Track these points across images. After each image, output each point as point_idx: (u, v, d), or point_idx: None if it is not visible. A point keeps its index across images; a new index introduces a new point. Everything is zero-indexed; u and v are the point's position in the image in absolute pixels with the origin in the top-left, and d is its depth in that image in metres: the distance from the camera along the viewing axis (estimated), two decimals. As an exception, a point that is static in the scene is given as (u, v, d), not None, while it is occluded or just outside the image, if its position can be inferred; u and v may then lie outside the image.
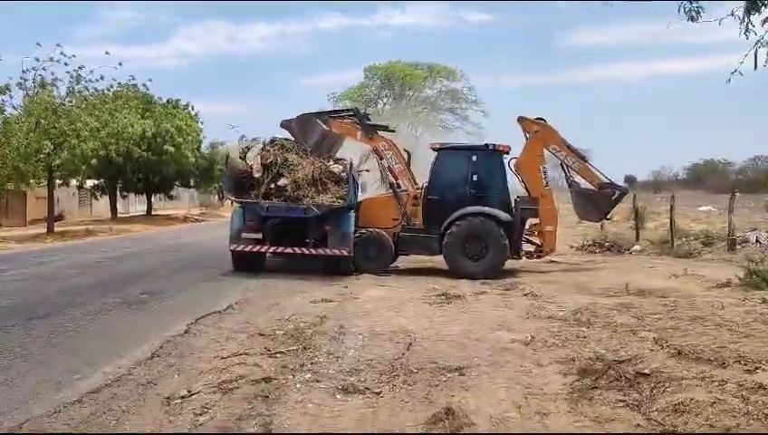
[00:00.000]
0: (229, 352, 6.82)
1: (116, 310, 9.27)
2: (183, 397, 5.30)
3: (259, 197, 13.32)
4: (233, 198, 13.70)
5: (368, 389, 5.35)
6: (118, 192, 39.08)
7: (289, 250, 13.51)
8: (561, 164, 14.34)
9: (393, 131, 15.72)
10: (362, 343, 7.04)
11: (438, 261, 14.89)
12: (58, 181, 29.32)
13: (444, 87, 50.64)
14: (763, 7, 5.97)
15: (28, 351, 6.84)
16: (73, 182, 34.12)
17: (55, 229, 26.86)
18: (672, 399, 4.69)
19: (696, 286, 11.01)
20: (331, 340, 7.22)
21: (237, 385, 5.50)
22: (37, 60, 24.92)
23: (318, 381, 5.57)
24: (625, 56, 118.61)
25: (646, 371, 5.33)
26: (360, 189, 14.48)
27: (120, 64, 27.53)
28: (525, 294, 10.35)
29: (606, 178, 14.54)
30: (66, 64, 25.43)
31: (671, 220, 19.17)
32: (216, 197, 50.52)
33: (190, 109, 38.94)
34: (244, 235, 13.49)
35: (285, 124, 14.71)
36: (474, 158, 13.92)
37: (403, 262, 15.11)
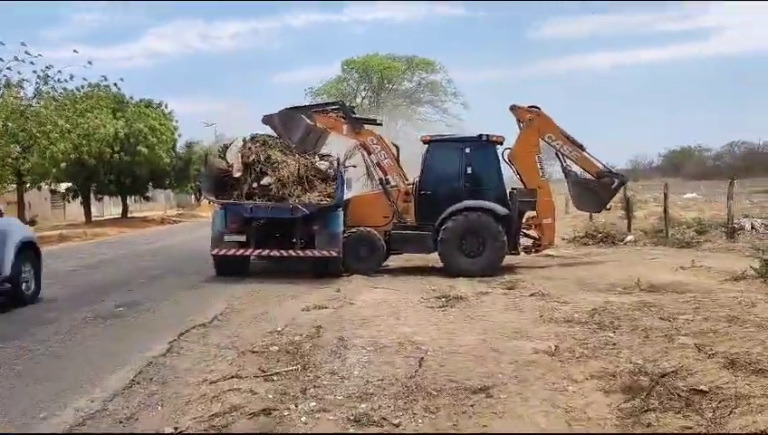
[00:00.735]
0: (219, 374, 6.04)
1: (90, 327, 8.40)
2: (169, 436, 4.53)
3: (242, 197, 12.52)
4: (213, 199, 12.88)
5: (384, 419, 4.62)
6: (92, 195, 37.77)
7: (275, 252, 12.75)
8: (556, 153, 13.69)
9: (380, 124, 15.01)
10: (367, 358, 6.31)
11: (430, 259, 14.22)
12: (28, 185, 28.11)
13: (423, 79, 49.98)
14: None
15: (-12, 381, 6.00)
16: (44, 186, 32.87)
17: (26, 236, 25.63)
18: (743, 422, 4.04)
19: (709, 279, 10.45)
20: (331, 355, 6.47)
21: (232, 419, 4.74)
22: (1, 60, 23.71)
23: (325, 411, 4.82)
24: (597, 47, 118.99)
25: (702, 387, 4.67)
26: (345, 186, 13.70)
27: (90, 63, 26.27)
28: (532, 295, 9.68)
29: (604, 166, 13.95)
30: (33, 63, 24.21)
31: (665, 209, 18.70)
32: (193, 197, 49.41)
33: (164, 108, 37.78)
34: (226, 238, 12.68)
35: (267, 120, 13.92)
36: (467, 150, 13.21)
37: (392, 261, 14.39)
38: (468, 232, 12.73)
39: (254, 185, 12.63)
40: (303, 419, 4.69)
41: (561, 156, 13.65)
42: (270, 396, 5.22)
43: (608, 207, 14.50)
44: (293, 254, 12.66)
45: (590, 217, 22.65)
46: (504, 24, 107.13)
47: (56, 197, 39.68)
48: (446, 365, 5.88)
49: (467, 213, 12.71)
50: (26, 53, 23.72)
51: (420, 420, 4.58)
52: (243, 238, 12.66)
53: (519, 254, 13.67)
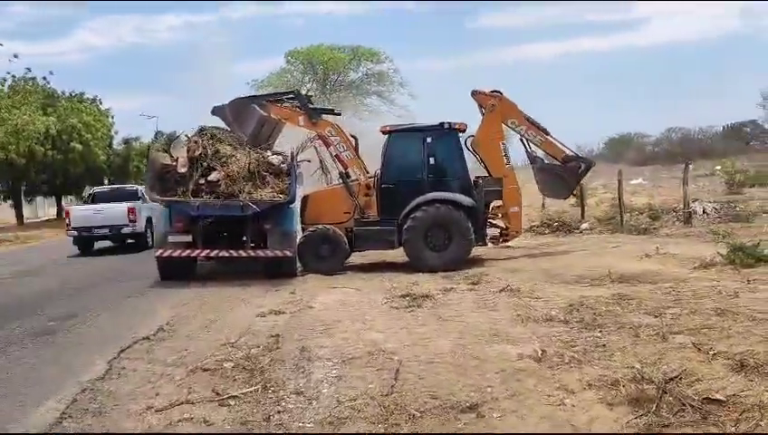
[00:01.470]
0: (166, 398, 5.29)
1: (16, 347, 7.44)
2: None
3: (187, 194, 11.61)
4: (156, 197, 11.94)
5: (364, 451, 3.98)
6: (23, 196, 35.73)
7: (224, 253, 11.93)
8: (520, 139, 13.23)
9: (339, 114, 14.24)
10: (336, 372, 5.65)
11: (390, 255, 13.61)
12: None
13: (369, 70, 49.19)
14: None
15: None
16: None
17: (-49, 241, 23.96)
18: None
19: (678, 267, 10.15)
20: (294, 371, 5.79)
21: (184, 460, 4.02)
22: None
23: (295, 443, 4.15)
24: (540, 37, 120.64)
25: (716, 395, 4.19)
26: (298, 182, 12.91)
27: (16, 57, 24.76)
28: (501, 290, 9.16)
29: (570, 150, 13.58)
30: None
31: (619, 196, 18.58)
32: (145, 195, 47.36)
33: (98, 103, 36.05)
34: (171, 238, 11.79)
35: (217, 110, 13.00)
36: (428, 139, 12.60)
37: (353, 258, 13.72)
38: (433, 225, 12.16)
39: (201, 181, 11.72)
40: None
41: (525, 141, 13.19)
42: (228, 427, 4.52)
43: (574, 192, 14.13)
44: (244, 254, 11.85)
45: (543, 205, 22.52)
46: (446, 14, 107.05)
47: (-16, 200, 37.47)
48: (425, 378, 5.27)
49: (432, 205, 12.14)
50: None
51: (407, 451, 3.96)
52: (189, 238, 11.79)
53: (486, 245, 13.18)
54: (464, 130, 12.76)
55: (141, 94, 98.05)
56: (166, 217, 11.97)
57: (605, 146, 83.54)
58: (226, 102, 13.05)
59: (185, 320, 8.62)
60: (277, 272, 11.90)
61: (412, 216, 12.12)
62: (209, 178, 11.57)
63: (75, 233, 18.34)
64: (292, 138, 14.14)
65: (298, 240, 12.25)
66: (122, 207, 18.25)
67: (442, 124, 12.58)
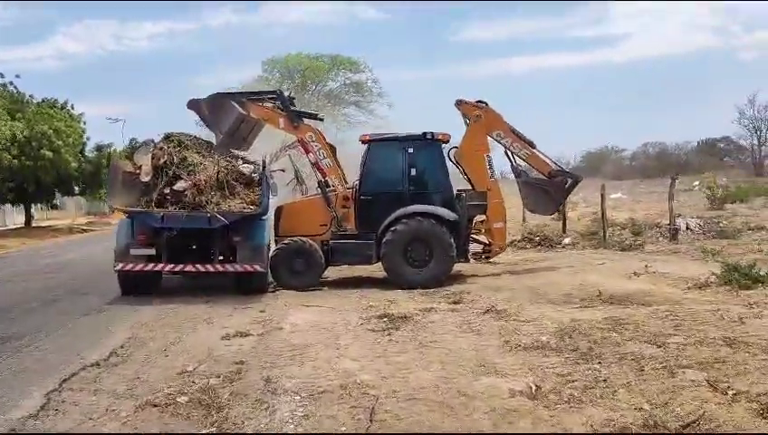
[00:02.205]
0: (107, 442, 4.58)
1: (-54, 374, 6.67)
2: None
3: (151, 204, 10.88)
4: (117, 207, 11.18)
5: None
6: (-12, 204, 34.49)
7: (190, 268, 11.17)
8: (505, 152, 12.68)
9: (322, 120, 13.55)
10: (303, 410, 4.98)
11: (367, 269, 12.98)
12: None
13: (347, 79, 48.57)
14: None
15: None
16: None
17: None
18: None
19: (671, 287, 9.66)
20: (256, 407, 5.11)
21: None
22: None
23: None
24: (512, 51, 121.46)
25: (746, 449, 3.61)
26: (271, 192, 12.19)
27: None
28: (486, 312, 8.56)
29: (556, 165, 13.07)
30: None
31: (602, 211, 18.17)
32: (106, 204, 46.20)
33: (70, 109, 34.91)
34: (132, 251, 10.98)
35: (193, 104, 12.32)
36: (410, 149, 11.97)
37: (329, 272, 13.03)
38: (414, 239, 11.53)
39: (166, 190, 11.01)
40: None
41: (510, 154, 12.64)
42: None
43: (559, 208, 13.62)
44: (211, 269, 11.11)
45: (523, 219, 22.05)
46: (424, 26, 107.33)
47: (-52, 208, 36.08)
48: (405, 418, 4.63)
49: (413, 218, 11.51)
50: None
51: None
52: (152, 252, 11.00)
53: (469, 261, 12.56)
54: (447, 141, 12.19)
55: (121, 102, 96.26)
56: (128, 228, 11.20)
57: (582, 159, 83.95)
58: (204, 97, 12.33)
59: (141, 342, 7.88)
60: (247, 288, 11.21)
61: (392, 229, 11.49)
62: (175, 188, 10.85)
63: None
64: (266, 142, 13.47)
65: (271, 253, 11.57)
66: None
67: (424, 134, 11.98)
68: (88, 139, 35.75)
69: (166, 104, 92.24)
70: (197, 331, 8.46)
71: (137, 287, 11.21)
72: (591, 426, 4.22)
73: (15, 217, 40.52)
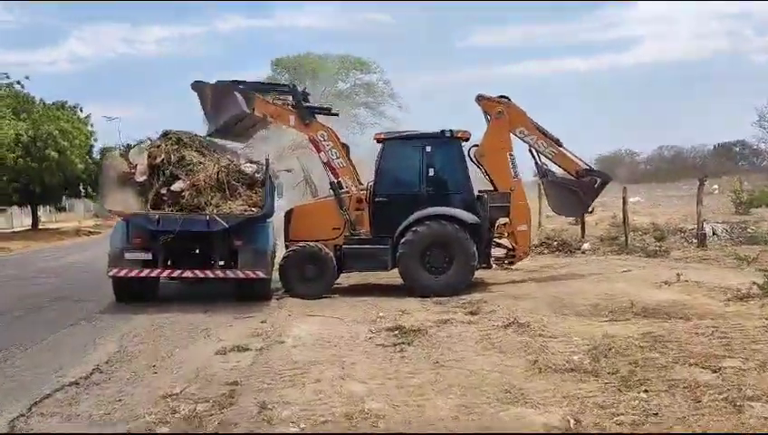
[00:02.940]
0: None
1: None
2: None
3: (147, 205, 10.21)
4: (111, 209, 10.53)
5: None
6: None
7: (188, 274, 10.51)
8: (530, 150, 11.87)
9: (336, 115, 12.80)
10: (301, 445, 4.24)
11: (377, 274, 12.21)
12: None
13: (358, 80, 47.82)
14: None
15: None
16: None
17: None
18: None
19: (708, 299, 8.85)
20: (247, 441, 4.38)
21: None
22: None
23: None
24: (525, 55, 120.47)
25: None
26: (277, 194, 11.46)
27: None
28: (507, 325, 7.79)
29: (584, 163, 12.25)
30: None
31: (624, 215, 17.42)
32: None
33: (78, 110, 34.45)
34: (127, 255, 10.31)
35: (197, 86, 11.64)
36: (427, 148, 11.19)
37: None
38: (433, 244, 10.76)
39: (163, 191, 10.36)
40: None
41: (535, 153, 11.84)
42: None
43: (590, 209, 12.76)
44: (211, 275, 10.41)
45: (539, 223, 21.27)
46: (435, 31, 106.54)
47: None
48: (421, 461, 3.88)
49: (431, 222, 10.75)
50: None
51: None
52: (148, 256, 10.34)
53: (491, 267, 11.77)
54: (467, 139, 11.40)
55: (132, 105, 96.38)
56: (122, 231, 10.53)
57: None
58: (211, 82, 11.67)
59: (129, 357, 7.18)
60: (249, 295, 10.52)
61: (407, 233, 10.73)
62: (172, 188, 10.19)
63: None
64: (272, 140, 12.76)
65: (282, 256, 10.88)
66: None
67: (443, 132, 11.20)
68: (95, 141, 35.32)
69: (175, 107, 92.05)
70: (191, 344, 7.78)
71: (132, 294, 10.57)
72: (650, 478, 3.47)
73: (23, 219, 40.16)
